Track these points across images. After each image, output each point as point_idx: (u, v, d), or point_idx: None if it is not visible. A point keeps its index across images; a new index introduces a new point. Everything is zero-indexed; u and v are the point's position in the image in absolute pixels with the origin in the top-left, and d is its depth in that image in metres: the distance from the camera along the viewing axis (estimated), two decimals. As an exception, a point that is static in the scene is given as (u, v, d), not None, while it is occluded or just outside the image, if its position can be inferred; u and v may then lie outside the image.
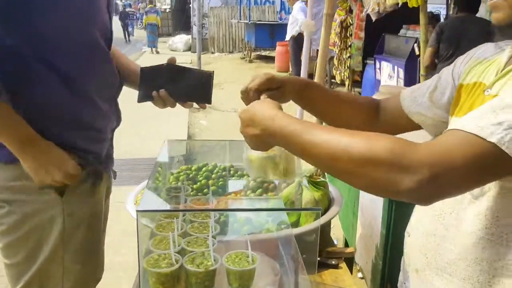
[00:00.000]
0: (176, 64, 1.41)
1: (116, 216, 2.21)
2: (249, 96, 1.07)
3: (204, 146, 2.29)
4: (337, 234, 3.00)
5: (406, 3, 4.12)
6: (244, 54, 13.67)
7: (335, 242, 3.00)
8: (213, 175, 1.70)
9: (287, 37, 8.67)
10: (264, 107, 0.91)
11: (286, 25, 9.41)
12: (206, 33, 15.23)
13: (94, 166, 1.27)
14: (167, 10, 21.71)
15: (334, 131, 0.79)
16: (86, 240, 1.28)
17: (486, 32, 3.69)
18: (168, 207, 1.23)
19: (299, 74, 8.37)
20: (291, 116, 0.87)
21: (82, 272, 1.29)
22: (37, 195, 1.17)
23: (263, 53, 13.38)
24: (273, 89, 1.08)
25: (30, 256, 1.20)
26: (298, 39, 8.09)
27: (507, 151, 0.68)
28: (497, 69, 0.91)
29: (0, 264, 1.30)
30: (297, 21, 8.10)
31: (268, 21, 14.47)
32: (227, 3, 16.17)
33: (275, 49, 11.60)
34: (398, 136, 0.77)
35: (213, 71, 1.43)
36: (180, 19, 21.50)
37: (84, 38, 1.18)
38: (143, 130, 5.58)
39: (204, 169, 1.72)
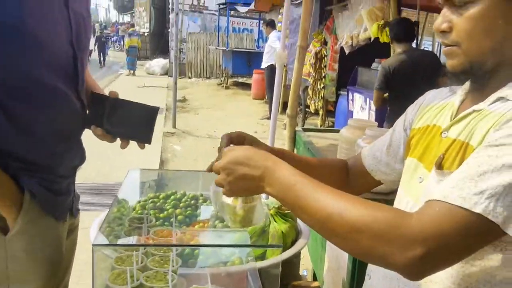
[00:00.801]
0: (119, 98, 1.32)
1: (81, 243, 2.14)
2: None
3: (175, 173, 2.26)
4: (307, 265, 2.98)
5: (378, 38, 4.25)
6: (221, 80, 13.77)
7: (305, 273, 2.99)
8: (181, 204, 1.67)
9: (263, 65, 8.75)
10: (262, 151, 0.89)
11: (263, 53, 9.55)
12: (184, 58, 15.33)
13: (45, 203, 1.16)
14: (145, 34, 21.81)
15: (335, 192, 0.79)
16: (40, 284, 1.16)
17: (438, 64, 3.66)
18: (128, 239, 1.19)
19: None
20: (291, 166, 0.86)
21: None
22: None
23: (240, 79, 13.50)
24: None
25: None
26: (274, 68, 8.22)
27: (493, 220, 0.69)
28: (451, 112, 0.94)
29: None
30: (273, 49, 8.22)
31: (246, 48, 14.68)
32: (205, 29, 16.38)
33: (251, 76, 11.72)
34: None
35: (159, 107, 1.34)
36: (159, 43, 21.60)
37: (32, 79, 1.09)
38: (114, 154, 5.49)
39: (172, 197, 1.69)
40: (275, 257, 1.29)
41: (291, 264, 1.69)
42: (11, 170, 1.10)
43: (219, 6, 14.20)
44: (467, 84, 0.94)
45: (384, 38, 4.11)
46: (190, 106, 10.10)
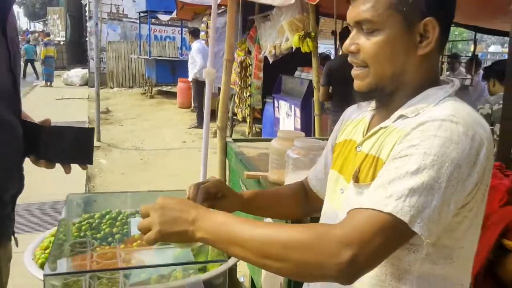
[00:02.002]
0: (53, 125, 1.33)
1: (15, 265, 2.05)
2: (195, 192, 1.10)
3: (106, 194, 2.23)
4: (243, 271, 3.06)
5: (300, 48, 4.44)
6: (145, 90, 13.50)
7: (242, 279, 3.06)
8: (118, 223, 1.66)
9: (190, 77, 8.70)
10: (188, 202, 0.97)
11: (187, 61, 9.51)
12: (105, 68, 14.84)
13: None
14: (61, 43, 20.81)
15: (261, 223, 0.88)
16: None
17: None
18: (73, 264, 1.19)
19: (202, 111, 8.48)
20: (220, 211, 0.93)
21: None
22: None
23: (165, 88, 13.33)
24: (219, 197, 1.13)
25: None
26: (200, 81, 8.25)
27: (402, 218, 0.80)
28: (363, 128, 1.06)
29: None
30: (195, 62, 8.24)
31: (169, 57, 14.48)
32: (126, 37, 15.96)
33: (176, 85, 11.61)
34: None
35: (93, 128, 1.38)
36: (76, 52, 20.67)
37: None
38: (36, 171, 5.22)
39: (107, 216, 1.68)
40: (219, 268, 1.35)
41: (229, 273, 1.75)
42: None
43: (139, 14, 13.91)
44: (373, 102, 1.06)
45: (305, 48, 4.29)
46: (114, 117, 9.81)
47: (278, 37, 5.04)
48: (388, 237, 0.82)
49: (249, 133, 6.94)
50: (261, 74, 6.37)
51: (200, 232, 0.89)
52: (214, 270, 1.41)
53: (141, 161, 6.35)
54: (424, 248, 0.85)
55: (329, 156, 1.21)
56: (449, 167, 0.82)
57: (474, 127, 0.86)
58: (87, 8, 16.10)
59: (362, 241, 0.80)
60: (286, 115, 5.52)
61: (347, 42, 0.99)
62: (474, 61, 6.26)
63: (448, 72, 6.95)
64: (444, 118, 0.85)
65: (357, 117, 1.13)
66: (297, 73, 5.68)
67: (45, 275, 0.89)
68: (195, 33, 8.58)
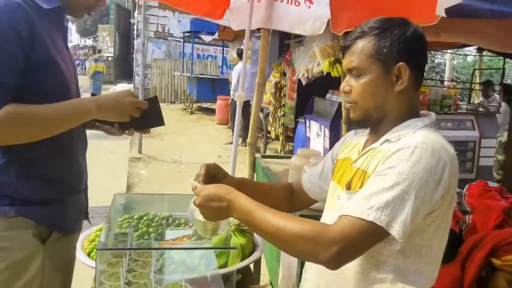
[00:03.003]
0: None
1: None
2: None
3: (144, 196, 2.52)
4: (266, 281, 3.29)
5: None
6: (186, 106, 14.01)
7: None
8: (153, 224, 1.94)
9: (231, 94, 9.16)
10: (225, 188, 1.24)
11: (226, 79, 9.90)
12: (149, 83, 15.52)
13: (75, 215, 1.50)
14: (110, 58, 21.84)
15: (276, 214, 1.14)
16: (62, 286, 1.45)
17: None
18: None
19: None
20: (247, 196, 1.20)
21: None
22: (20, 243, 1.33)
23: (204, 105, 13.80)
24: (218, 178, 1.42)
25: None
26: (234, 99, 8.64)
27: (380, 224, 1.06)
28: (358, 149, 1.32)
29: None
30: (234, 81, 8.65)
31: (210, 75, 15.01)
32: (170, 55, 16.66)
33: (216, 102, 12.01)
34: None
35: (156, 95, 1.62)
36: (123, 68, 21.62)
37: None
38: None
39: (145, 218, 1.96)
40: (236, 265, 1.60)
41: (249, 272, 1.98)
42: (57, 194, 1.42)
43: (184, 34, 14.55)
44: (368, 130, 1.32)
45: (335, 73, 4.51)
46: (155, 131, 10.25)
47: (310, 61, 5.29)
48: (368, 238, 1.09)
49: (281, 151, 7.16)
50: (294, 95, 6.63)
51: (233, 214, 1.19)
52: (232, 266, 1.66)
53: (178, 173, 6.70)
54: (398, 243, 1.09)
55: (327, 166, 1.48)
56: (418, 183, 1.07)
57: (440, 151, 1.10)
58: (135, 27, 16.92)
59: (347, 241, 1.06)
60: (316, 135, 5.73)
61: (342, 84, 1.27)
62: (502, 89, 6.29)
63: (481, 99, 6.97)
64: (416, 145, 1.10)
65: (355, 140, 1.39)
66: (328, 95, 5.88)
67: (97, 249, 1.18)
68: (241, 55, 9.01)
